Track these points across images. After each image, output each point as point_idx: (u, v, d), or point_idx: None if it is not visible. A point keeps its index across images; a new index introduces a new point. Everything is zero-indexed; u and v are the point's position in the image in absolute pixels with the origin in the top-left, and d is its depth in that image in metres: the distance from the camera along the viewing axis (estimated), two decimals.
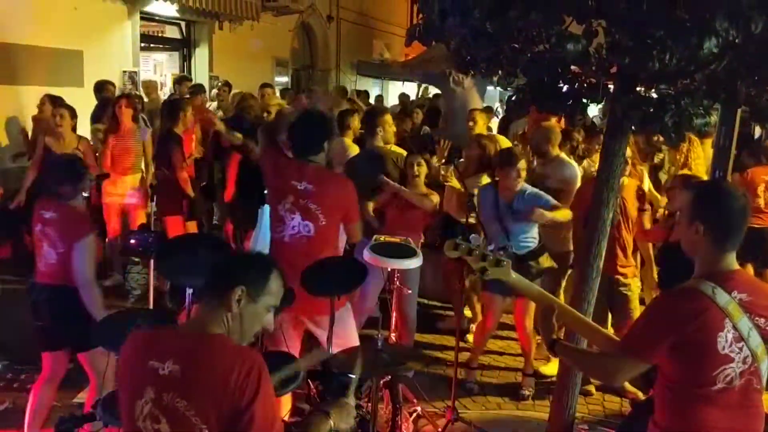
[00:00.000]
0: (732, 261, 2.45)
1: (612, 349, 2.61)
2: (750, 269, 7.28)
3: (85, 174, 4.08)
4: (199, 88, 9.46)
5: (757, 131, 9.22)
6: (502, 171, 5.01)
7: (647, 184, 6.24)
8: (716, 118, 4.64)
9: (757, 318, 2.36)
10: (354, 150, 6.29)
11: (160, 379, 2.07)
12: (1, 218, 7.84)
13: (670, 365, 2.42)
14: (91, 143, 7.15)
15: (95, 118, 7.82)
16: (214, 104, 9.79)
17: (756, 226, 7.23)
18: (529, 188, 5.05)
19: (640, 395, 5.06)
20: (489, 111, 8.88)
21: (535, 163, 6.03)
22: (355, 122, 6.65)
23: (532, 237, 5.06)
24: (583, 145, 6.83)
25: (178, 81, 10.17)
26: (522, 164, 4.98)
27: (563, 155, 5.88)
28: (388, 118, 6.02)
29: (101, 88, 8.22)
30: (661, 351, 2.39)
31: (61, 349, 4.07)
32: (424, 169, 5.37)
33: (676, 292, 2.45)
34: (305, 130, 4.13)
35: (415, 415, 4.54)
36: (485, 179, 5.65)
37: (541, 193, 5.06)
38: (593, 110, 7.55)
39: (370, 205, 5.24)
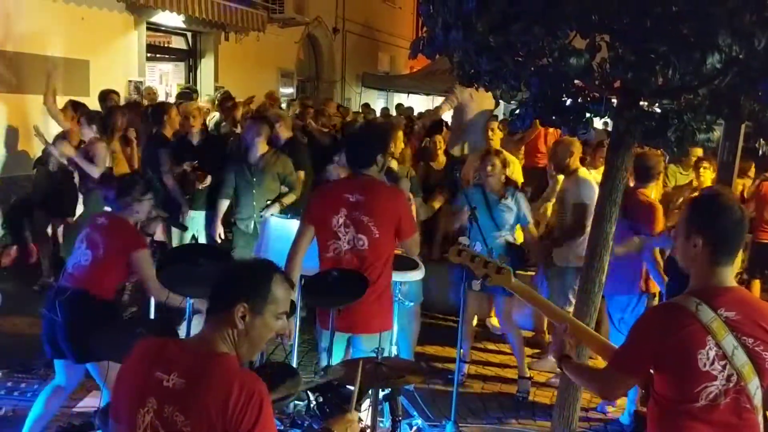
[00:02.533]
0: (726, 277, 2.39)
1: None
2: (757, 285, 7.26)
3: None
4: (185, 95, 9.49)
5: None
6: (482, 167, 5.38)
7: None
8: (719, 133, 4.64)
9: (744, 337, 2.30)
10: None
11: (163, 390, 2.05)
12: (10, 223, 7.88)
13: (656, 380, 2.41)
14: None
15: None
16: (217, 114, 9.80)
17: (764, 241, 7.23)
18: (517, 193, 5.46)
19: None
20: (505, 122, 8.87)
21: None
22: None
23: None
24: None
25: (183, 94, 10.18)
26: (495, 159, 5.36)
27: (582, 171, 5.82)
28: (400, 134, 6.09)
29: (105, 97, 8.22)
30: (647, 365, 2.40)
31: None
32: None
33: (659, 307, 2.47)
34: (358, 142, 4.15)
35: (415, 428, 4.52)
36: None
37: (522, 204, 5.42)
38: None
39: None
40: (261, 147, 6.08)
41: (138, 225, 4.27)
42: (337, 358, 3.88)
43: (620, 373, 2.48)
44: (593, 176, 5.98)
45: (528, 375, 5.50)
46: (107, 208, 4.53)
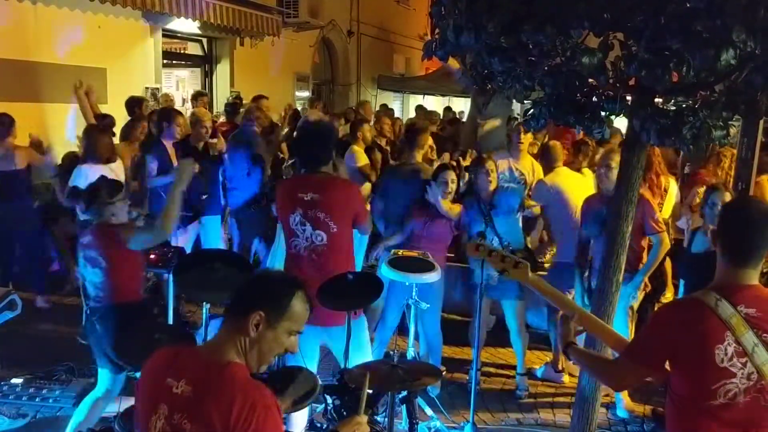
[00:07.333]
0: (750, 277, 2.38)
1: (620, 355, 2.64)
2: None
3: None
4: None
5: None
6: (476, 175, 5.28)
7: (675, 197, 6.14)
8: (737, 129, 4.59)
9: (765, 335, 2.28)
10: (362, 158, 6.76)
11: (173, 397, 2.07)
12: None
13: (673, 376, 2.41)
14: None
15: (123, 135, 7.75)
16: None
17: None
18: (506, 184, 5.52)
19: None
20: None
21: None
22: (366, 133, 7.30)
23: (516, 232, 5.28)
24: (598, 156, 6.81)
25: (194, 97, 10.22)
26: (490, 165, 5.29)
27: (556, 171, 5.96)
28: (428, 135, 6.28)
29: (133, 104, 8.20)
30: (661, 359, 2.41)
31: None
32: (454, 185, 5.42)
33: (678, 302, 2.47)
34: (310, 142, 4.21)
35: (433, 430, 4.51)
36: None
37: (515, 186, 5.56)
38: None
39: None
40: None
41: None
42: (310, 359, 4.00)
43: (632, 362, 2.49)
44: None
45: (525, 371, 5.51)
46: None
